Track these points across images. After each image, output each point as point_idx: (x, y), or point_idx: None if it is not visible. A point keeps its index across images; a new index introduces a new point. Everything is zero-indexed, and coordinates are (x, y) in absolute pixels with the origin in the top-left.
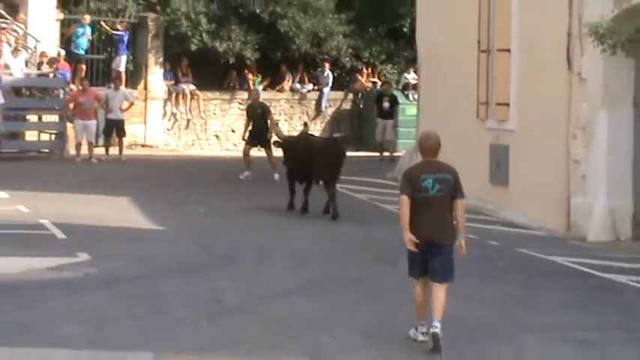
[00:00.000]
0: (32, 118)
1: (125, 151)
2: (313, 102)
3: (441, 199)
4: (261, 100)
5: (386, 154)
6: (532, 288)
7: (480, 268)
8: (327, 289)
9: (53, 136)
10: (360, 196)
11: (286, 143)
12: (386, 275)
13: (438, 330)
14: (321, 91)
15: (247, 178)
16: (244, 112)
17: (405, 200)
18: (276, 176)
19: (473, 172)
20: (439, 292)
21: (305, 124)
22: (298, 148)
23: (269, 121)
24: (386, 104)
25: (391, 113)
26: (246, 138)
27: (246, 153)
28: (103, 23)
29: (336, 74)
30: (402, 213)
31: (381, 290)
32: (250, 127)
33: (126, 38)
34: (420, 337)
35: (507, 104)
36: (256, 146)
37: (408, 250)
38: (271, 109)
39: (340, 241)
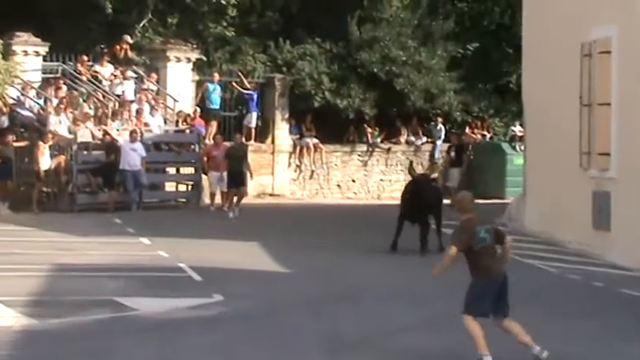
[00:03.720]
0: (171, 170)
1: (254, 200)
2: (427, 153)
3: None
4: (243, 142)
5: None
6: (633, 326)
7: (584, 306)
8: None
9: (190, 187)
10: None
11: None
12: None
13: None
14: (434, 143)
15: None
16: (363, 163)
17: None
18: (231, 215)
19: (577, 218)
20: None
21: (410, 163)
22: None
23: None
24: (452, 153)
25: (459, 161)
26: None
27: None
28: (234, 84)
29: (447, 127)
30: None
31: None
32: (228, 169)
33: (255, 97)
34: None
35: (608, 154)
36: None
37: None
38: (388, 160)
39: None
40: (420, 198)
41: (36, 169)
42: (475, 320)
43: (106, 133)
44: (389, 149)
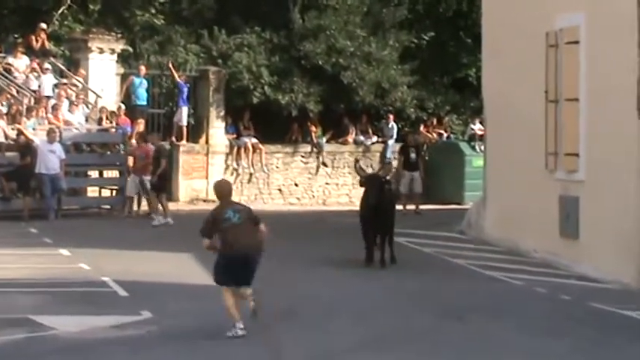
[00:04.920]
0: (93, 174)
1: (187, 207)
2: (378, 154)
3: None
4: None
5: (410, 207)
6: (604, 344)
7: (551, 323)
8: (393, 344)
9: (114, 192)
10: (425, 249)
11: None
12: (452, 329)
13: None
14: (385, 143)
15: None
16: (307, 166)
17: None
18: (155, 222)
19: (542, 224)
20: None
21: (356, 161)
22: None
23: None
24: (412, 155)
25: (417, 164)
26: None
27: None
28: (170, 65)
29: (400, 126)
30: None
31: (448, 343)
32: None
33: (186, 90)
34: (240, 332)
35: (577, 154)
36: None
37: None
38: (335, 161)
39: (404, 295)
40: (379, 198)
41: None
42: (229, 291)
43: (20, 132)
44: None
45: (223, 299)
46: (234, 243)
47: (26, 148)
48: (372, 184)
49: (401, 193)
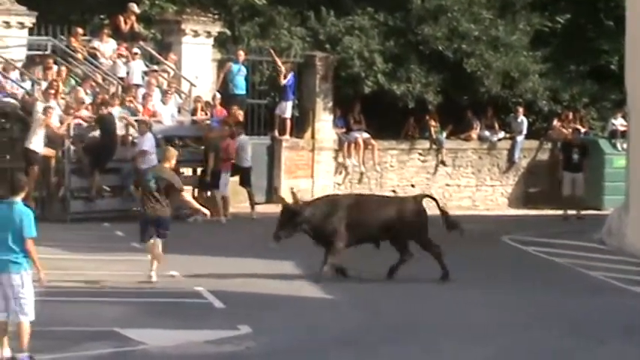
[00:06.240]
0: (186, 171)
1: None
2: (505, 152)
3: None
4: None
5: (571, 212)
6: None
7: None
8: None
9: (209, 192)
10: (558, 259)
11: None
12: (592, 354)
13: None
14: (513, 139)
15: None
16: (424, 164)
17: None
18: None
19: None
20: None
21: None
22: None
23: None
24: (575, 155)
25: (580, 165)
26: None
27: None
28: (272, 51)
29: (530, 120)
30: None
31: None
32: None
33: (292, 78)
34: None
35: None
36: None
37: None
38: (456, 160)
39: (530, 310)
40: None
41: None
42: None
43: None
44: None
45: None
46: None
47: (103, 123)
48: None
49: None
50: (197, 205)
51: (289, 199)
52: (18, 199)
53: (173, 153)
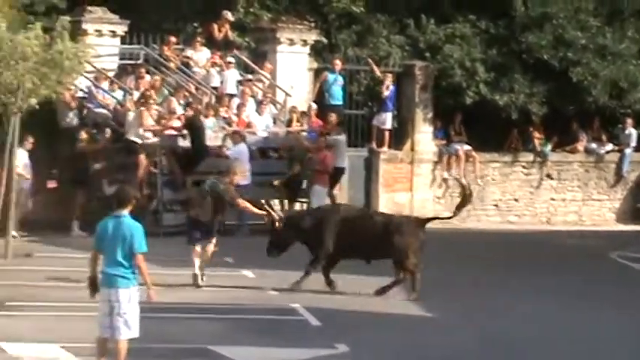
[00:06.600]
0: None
1: None
2: (612, 165)
3: None
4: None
5: None
6: None
7: None
8: None
9: (304, 205)
10: None
11: None
12: None
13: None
14: (622, 152)
15: None
16: (528, 178)
17: None
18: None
19: None
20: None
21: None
22: None
23: None
24: None
25: None
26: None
27: None
28: (370, 60)
29: None
30: None
31: None
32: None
33: (391, 88)
34: None
35: None
36: None
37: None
38: (562, 173)
39: None
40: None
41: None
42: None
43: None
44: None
45: None
46: None
47: (191, 126)
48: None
49: None
50: (256, 210)
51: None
52: (125, 212)
53: (239, 170)
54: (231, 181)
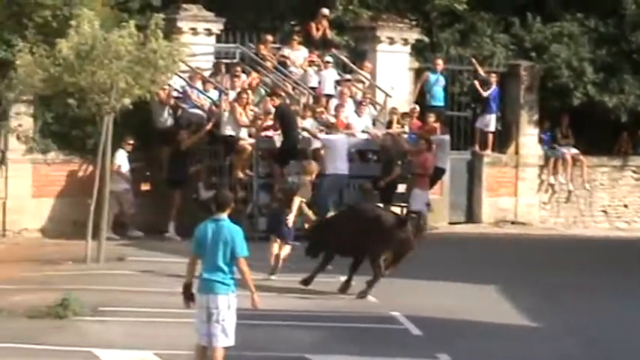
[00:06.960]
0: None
1: (491, 229)
2: None
3: None
4: None
5: None
6: None
7: None
8: None
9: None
10: None
11: None
12: None
13: None
14: None
15: None
16: (638, 183)
17: None
18: None
19: None
20: None
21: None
22: None
23: None
24: None
25: None
26: None
27: None
28: (474, 59)
29: None
30: None
31: None
32: None
33: (495, 88)
34: None
35: None
36: None
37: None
38: None
39: None
40: None
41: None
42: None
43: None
44: None
45: None
46: None
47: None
48: None
49: None
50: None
51: None
52: (224, 215)
53: (313, 168)
54: (311, 181)
